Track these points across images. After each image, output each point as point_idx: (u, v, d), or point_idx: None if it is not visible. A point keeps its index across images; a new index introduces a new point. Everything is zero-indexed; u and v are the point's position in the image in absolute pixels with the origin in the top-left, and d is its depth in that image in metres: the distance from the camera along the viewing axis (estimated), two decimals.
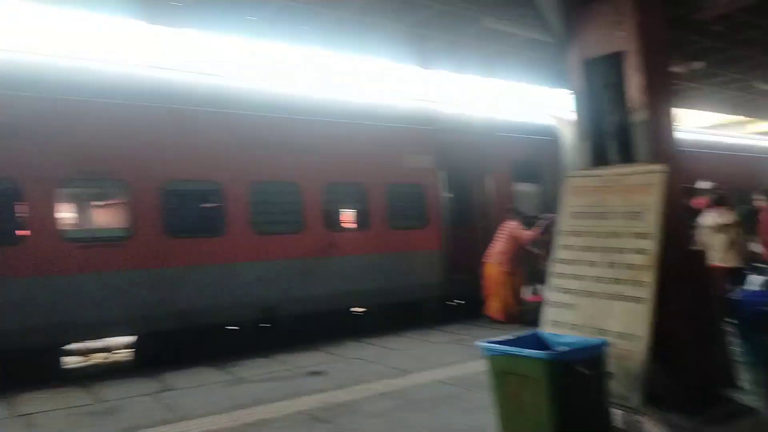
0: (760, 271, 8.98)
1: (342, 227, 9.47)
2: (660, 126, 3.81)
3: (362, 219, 9.28)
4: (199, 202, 8.27)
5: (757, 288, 8.47)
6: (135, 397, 5.92)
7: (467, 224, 10.37)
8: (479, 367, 6.53)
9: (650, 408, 3.79)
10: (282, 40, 8.52)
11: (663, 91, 3.88)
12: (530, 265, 9.64)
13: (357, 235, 9.21)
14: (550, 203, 11.15)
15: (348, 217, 9.72)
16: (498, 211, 10.32)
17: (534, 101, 14.10)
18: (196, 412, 5.33)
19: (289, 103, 8.70)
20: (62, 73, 7.18)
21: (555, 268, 4.15)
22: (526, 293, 9.41)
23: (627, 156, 3.98)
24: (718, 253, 8.13)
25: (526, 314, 9.18)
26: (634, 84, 3.76)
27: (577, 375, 3.20)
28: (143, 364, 7.42)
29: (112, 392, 6.12)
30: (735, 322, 4.60)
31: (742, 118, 20.03)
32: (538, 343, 3.68)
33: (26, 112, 6.67)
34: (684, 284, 4.03)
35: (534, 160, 11.16)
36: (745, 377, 4.35)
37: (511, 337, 3.67)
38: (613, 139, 4.01)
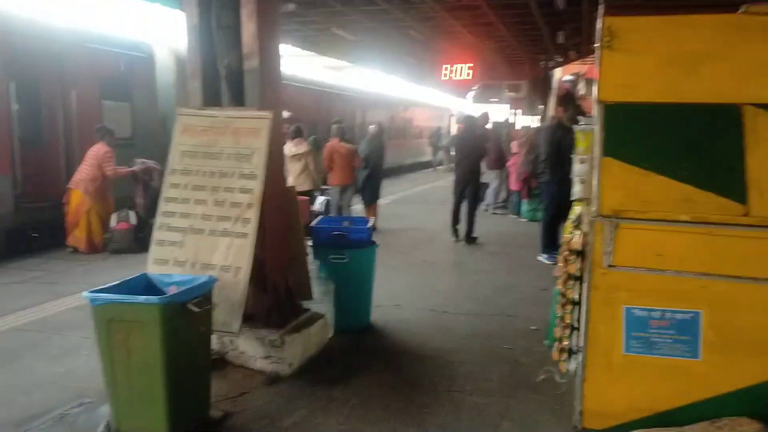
0: (323, 193, 10.85)
1: None
2: (269, 73, 4.03)
3: None
4: None
5: (321, 206, 10.31)
6: None
7: (46, 144, 9.01)
8: (62, 306, 6.04)
9: (243, 327, 4.14)
10: None
11: (273, 39, 4.10)
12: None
13: None
14: (140, 123, 10.67)
15: None
16: (84, 131, 9.30)
17: (128, 14, 12.92)
18: None
19: None
20: None
21: (163, 206, 4.05)
22: (113, 221, 8.93)
23: (239, 99, 4.09)
24: (294, 179, 9.32)
25: (112, 243, 8.81)
26: (248, 31, 3.85)
27: (188, 314, 3.29)
28: None
29: None
30: (311, 244, 5.43)
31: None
32: (147, 285, 3.59)
33: None
34: (277, 216, 4.47)
35: (126, 77, 10.30)
36: (317, 289, 5.16)
37: (117, 282, 3.47)
38: (226, 81, 4.06)
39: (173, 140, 4.12)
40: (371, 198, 10.66)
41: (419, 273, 7.72)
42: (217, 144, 4.01)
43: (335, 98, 19.29)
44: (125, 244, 8.81)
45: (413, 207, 14.12)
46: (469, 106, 36.93)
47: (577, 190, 3.93)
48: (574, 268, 3.60)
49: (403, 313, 5.96)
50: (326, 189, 10.89)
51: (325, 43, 16.95)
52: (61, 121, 9.25)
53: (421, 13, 13.12)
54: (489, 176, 12.74)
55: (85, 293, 3.18)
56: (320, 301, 5.16)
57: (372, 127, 11.56)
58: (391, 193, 11.59)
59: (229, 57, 4.01)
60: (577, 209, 4.12)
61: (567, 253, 3.69)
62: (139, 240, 8.87)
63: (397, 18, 13.41)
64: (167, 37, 11.93)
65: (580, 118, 4.73)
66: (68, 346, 4.95)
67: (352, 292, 5.38)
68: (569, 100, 9.94)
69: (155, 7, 9.95)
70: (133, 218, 8.97)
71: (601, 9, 3.10)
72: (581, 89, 18.84)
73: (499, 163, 12.98)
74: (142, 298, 3.12)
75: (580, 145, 3.82)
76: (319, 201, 10.54)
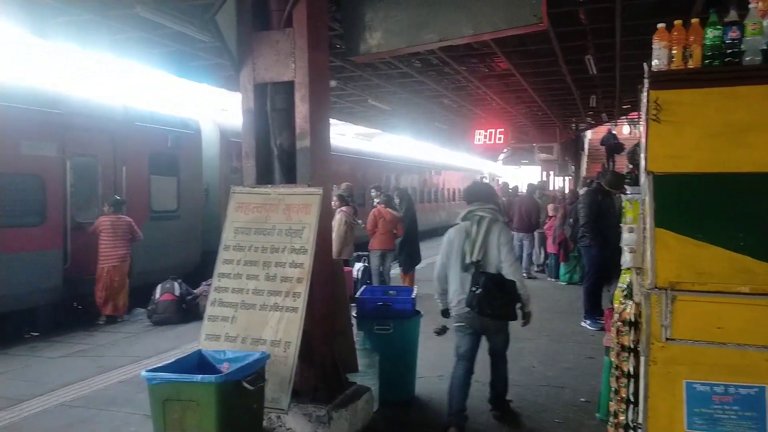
0: (359, 259, 10.90)
1: None
2: (319, 151, 4.20)
3: None
4: None
5: (358, 273, 10.32)
6: None
7: (94, 219, 9.39)
8: (109, 380, 6.11)
9: (291, 403, 4.12)
10: None
11: (323, 120, 4.29)
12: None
13: None
14: (185, 196, 11.06)
15: None
16: (133, 206, 9.71)
17: (178, 93, 13.73)
18: None
19: None
20: None
21: (216, 282, 4.15)
22: (158, 292, 9.12)
23: (290, 177, 4.25)
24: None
25: (155, 314, 8.96)
26: (301, 113, 4.05)
27: (243, 391, 3.30)
28: None
29: None
30: (356, 315, 5.44)
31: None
32: (201, 362, 3.63)
33: None
34: (324, 289, 4.52)
35: (173, 153, 10.76)
36: (362, 361, 5.11)
37: (171, 361, 3.53)
38: (278, 160, 4.24)
39: (227, 217, 4.26)
40: (410, 264, 10.64)
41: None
42: (270, 220, 4.13)
43: (368, 165, 19.71)
44: (168, 315, 8.95)
45: None
46: (499, 168, 37.31)
47: (627, 259, 3.90)
48: (627, 339, 3.52)
49: (447, 384, 5.84)
50: (362, 255, 10.95)
51: (360, 113, 17.51)
52: (113, 195, 9.63)
53: (454, 83, 13.50)
54: (521, 240, 12.64)
55: (144, 373, 3.23)
56: (364, 373, 5.11)
57: (394, 192, 11.60)
58: (425, 256, 11.55)
59: (281, 137, 4.20)
60: (627, 278, 4.07)
61: (620, 324, 3.62)
62: (182, 311, 9.01)
63: (430, 88, 13.83)
64: (212, 113, 12.55)
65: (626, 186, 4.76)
66: (117, 422, 4.97)
67: (397, 364, 5.33)
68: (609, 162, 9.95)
69: (202, 87, 10.48)
70: (176, 289, 9.14)
71: (646, 83, 3.17)
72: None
73: (530, 226, 12.91)
74: (198, 377, 3.15)
75: (629, 214, 3.82)
76: (357, 268, 10.59)
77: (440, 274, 4.87)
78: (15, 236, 8.02)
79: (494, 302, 4.40)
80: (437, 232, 25.20)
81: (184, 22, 7.05)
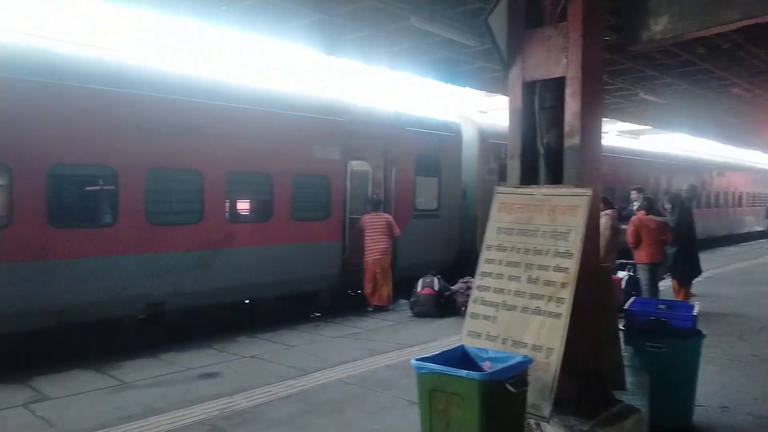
0: (623, 268, 10.07)
1: (245, 218, 9.20)
2: (589, 150, 3.98)
3: (266, 210, 8.95)
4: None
5: (623, 283, 9.53)
6: (4, 410, 5.18)
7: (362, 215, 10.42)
8: (377, 363, 6.67)
9: (552, 413, 3.95)
10: (199, 19, 7.86)
11: (596, 117, 4.05)
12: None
13: (261, 227, 8.84)
14: (445, 196, 11.60)
15: (252, 207, 9.44)
16: (400, 204, 10.55)
17: (439, 97, 14.55)
18: (80, 427, 4.80)
19: (189, 84, 8.03)
20: None
21: (478, 280, 4.21)
22: (419, 286, 9.69)
23: (556, 176, 4.11)
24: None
25: (416, 306, 9.54)
26: (571, 109, 3.89)
27: (505, 392, 3.27)
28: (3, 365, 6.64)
29: None
30: (623, 328, 5.00)
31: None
32: (464, 357, 3.71)
33: None
34: (590, 296, 4.24)
35: (436, 154, 11.38)
36: (630, 380, 4.68)
37: (437, 353, 3.67)
38: (544, 159, 4.14)
39: (490, 217, 4.28)
40: (686, 276, 9.46)
41: (748, 370, 6.49)
42: (533, 221, 4.03)
43: (633, 164, 18.08)
44: (427, 308, 9.45)
45: (734, 288, 12.13)
46: None
47: None
48: None
49: (733, 418, 5.04)
50: (627, 264, 10.11)
51: (629, 108, 16.17)
52: (382, 194, 10.56)
53: (748, 68, 11.62)
54: None
55: (413, 361, 3.42)
56: (632, 392, 4.68)
57: (668, 196, 10.41)
58: (705, 268, 10.15)
59: (548, 136, 4.08)
60: None
61: None
62: (439, 305, 9.43)
63: (716, 77, 12.11)
64: (472, 115, 12.87)
65: None
66: (384, 404, 5.39)
67: (671, 387, 4.75)
68: None
69: (464, 90, 10.81)
70: (436, 284, 9.60)
71: None
72: None
73: None
74: (463, 372, 3.22)
75: None
76: (621, 276, 9.80)
77: None
78: (310, 228, 9.34)
79: None
80: (717, 241, 22.00)
81: (452, 29, 7.36)
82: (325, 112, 9.56)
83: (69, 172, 7.00)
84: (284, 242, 8.92)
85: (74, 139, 6.79)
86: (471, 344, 3.98)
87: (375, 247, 9.84)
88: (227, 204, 8.48)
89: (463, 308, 9.09)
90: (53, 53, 6.92)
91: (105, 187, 7.36)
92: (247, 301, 9.05)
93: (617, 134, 26.72)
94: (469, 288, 9.29)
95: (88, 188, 7.52)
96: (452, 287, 9.68)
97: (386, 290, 9.98)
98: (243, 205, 9.44)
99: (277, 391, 5.70)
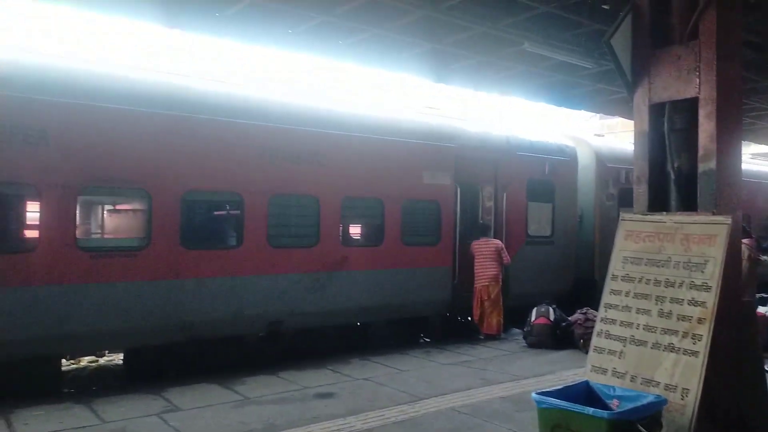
0: (763, 302, 9.13)
1: (357, 242, 9.43)
2: (727, 175, 3.70)
3: (377, 234, 9.15)
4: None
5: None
6: (140, 418, 5.63)
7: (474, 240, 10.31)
8: (492, 394, 6.49)
9: None
10: (315, 54, 8.39)
11: (734, 140, 3.77)
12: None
13: (372, 251, 9.04)
14: (559, 222, 11.20)
15: (363, 231, 9.66)
16: (512, 230, 10.35)
17: (552, 120, 14.19)
18: None
19: (307, 115, 8.47)
20: None
21: (602, 312, 4.01)
22: (533, 315, 9.37)
23: (688, 203, 3.86)
24: None
25: (530, 337, 9.21)
26: (706, 131, 3.65)
27: None
28: (139, 375, 7.24)
29: (115, 411, 5.84)
30: None
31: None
32: (588, 394, 3.53)
33: None
34: (731, 333, 3.91)
35: (549, 179, 11.11)
36: None
37: (559, 387, 3.52)
38: (675, 184, 3.90)
39: (615, 245, 4.08)
40: None
41: None
42: (664, 251, 3.79)
43: None
44: (542, 339, 9.09)
45: None
46: None
47: None
48: None
49: None
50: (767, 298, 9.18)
51: (764, 130, 14.85)
52: (492, 219, 10.40)
53: None
54: None
55: (534, 395, 3.30)
56: None
57: None
58: None
59: (680, 160, 3.84)
60: None
61: None
62: (555, 336, 9.05)
63: None
64: (588, 138, 12.38)
65: None
66: None
67: None
68: None
69: (578, 113, 10.46)
70: (551, 314, 9.23)
71: None
72: None
73: None
74: (590, 410, 3.06)
75: None
76: (762, 311, 8.89)
77: None
78: (421, 253, 9.39)
79: None
80: None
81: (567, 52, 7.18)
82: (435, 138, 9.63)
83: (200, 198, 7.58)
84: (395, 266, 9.02)
85: (205, 168, 7.35)
86: (596, 380, 3.78)
87: (484, 273, 9.68)
88: (341, 228, 8.74)
89: (582, 341, 8.69)
90: (188, 89, 7.58)
91: (231, 212, 7.88)
92: (358, 324, 9.21)
93: (750, 157, 24.59)
94: (588, 319, 8.85)
95: (216, 213, 8.10)
96: (569, 318, 9.26)
97: (495, 318, 9.74)
98: (355, 230, 9.68)
99: (390, 415, 5.71)
